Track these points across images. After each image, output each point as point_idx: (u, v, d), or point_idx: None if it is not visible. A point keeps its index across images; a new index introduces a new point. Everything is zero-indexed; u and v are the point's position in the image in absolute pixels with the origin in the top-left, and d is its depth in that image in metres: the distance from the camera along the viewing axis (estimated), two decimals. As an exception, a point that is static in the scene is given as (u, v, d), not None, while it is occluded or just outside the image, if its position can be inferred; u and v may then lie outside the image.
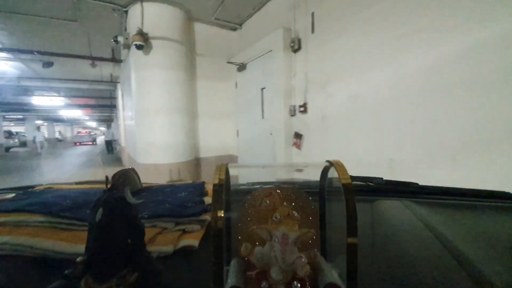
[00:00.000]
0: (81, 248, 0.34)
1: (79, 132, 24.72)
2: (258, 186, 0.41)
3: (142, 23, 3.15)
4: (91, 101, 12.25)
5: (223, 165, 0.29)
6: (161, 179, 0.92)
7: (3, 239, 0.43)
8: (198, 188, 0.68)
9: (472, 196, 0.73)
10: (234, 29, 4.19)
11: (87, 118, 22.34)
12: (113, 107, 11.89)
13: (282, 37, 2.89)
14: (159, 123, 3.42)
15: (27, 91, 9.58)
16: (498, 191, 0.72)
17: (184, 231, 0.49)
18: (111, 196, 0.30)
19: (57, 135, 26.39)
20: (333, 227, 0.33)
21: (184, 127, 3.58)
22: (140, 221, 0.32)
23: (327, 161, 0.31)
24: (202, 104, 4.03)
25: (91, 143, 20.79)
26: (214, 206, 0.25)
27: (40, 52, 4.17)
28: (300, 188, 0.33)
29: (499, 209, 0.66)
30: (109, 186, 0.31)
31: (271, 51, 3.13)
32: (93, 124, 29.11)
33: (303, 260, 0.26)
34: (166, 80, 3.40)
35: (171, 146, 3.47)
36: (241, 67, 3.81)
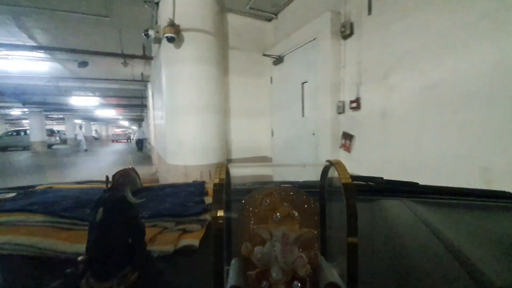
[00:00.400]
0: (81, 247, 0.33)
1: (115, 131, 27.52)
2: (259, 186, 0.45)
3: (174, 14, 2.93)
4: (123, 101, 12.61)
5: (223, 164, 0.30)
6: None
7: (4, 238, 0.44)
8: (199, 188, 0.69)
9: (473, 195, 0.75)
10: (269, 20, 3.88)
11: (120, 117, 23.45)
12: (143, 106, 12.14)
13: (329, 22, 2.51)
14: (189, 122, 3.21)
15: (66, 92, 10.02)
16: (499, 191, 0.75)
17: (184, 231, 0.49)
18: (111, 195, 0.30)
19: (93, 134, 28.18)
20: (334, 227, 0.33)
21: (216, 127, 3.32)
22: (141, 220, 0.33)
23: (327, 160, 0.32)
24: (235, 101, 3.76)
25: (125, 140, 23.81)
26: (214, 206, 0.25)
27: (73, 50, 4.15)
28: (301, 188, 0.34)
29: (500, 208, 0.68)
30: (109, 185, 0.32)
31: (315, 39, 2.76)
32: (125, 123, 30.60)
33: (303, 259, 0.27)
34: (198, 76, 3.16)
35: (202, 147, 3.25)
36: (278, 60, 3.46)
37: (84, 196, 0.59)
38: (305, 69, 3.09)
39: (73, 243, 0.43)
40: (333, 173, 0.31)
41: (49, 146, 16.43)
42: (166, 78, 3.40)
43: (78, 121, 23.77)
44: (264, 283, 0.27)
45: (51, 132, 17.56)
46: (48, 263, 0.41)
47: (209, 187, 0.70)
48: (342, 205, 0.26)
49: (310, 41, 2.90)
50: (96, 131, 30.36)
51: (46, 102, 11.88)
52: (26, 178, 6.13)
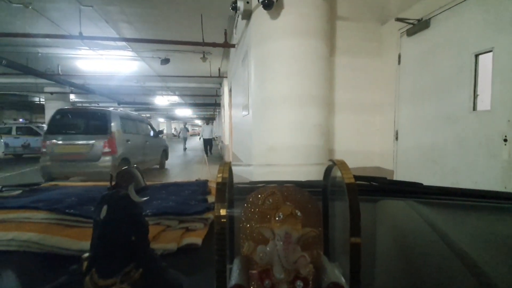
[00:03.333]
0: (86, 244, 0.34)
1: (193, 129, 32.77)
2: (261, 185, 0.45)
3: (272, -29, 2.05)
4: (198, 100, 12.96)
5: (226, 163, 0.29)
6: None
7: (10, 235, 0.44)
8: (202, 187, 0.67)
9: (477, 196, 0.73)
10: (394, -26, 2.67)
11: (194, 116, 25.07)
12: (217, 105, 12.17)
13: None
14: (285, 118, 2.40)
15: (151, 92, 10.67)
16: (503, 192, 0.73)
17: (187, 229, 0.49)
18: (115, 193, 0.30)
19: (173, 131, 31.10)
20: (337, 227, 0.33)
21: (319, 125, 2.38)
22: (144, 218, 0.32)
23: (330, 160, 0.31)
24: (341, 91, 2.71)
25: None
26: (217, 205, 0.25)
27: (157, 41, 3.83)
28: (303, 187, 0.33)
29: (504, 210, 0.66)
30: (113, 184, 0.32)
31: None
32: (198, 122, 33.05)
33: (306, 259, 0.26)
34: (299, 55, 2.33)
35: (301, 152, 2.36)
36: (418, 26, 2.26)
37: (88, 194, 0.59)
38: (486, 29, 1.84)
39: (78, 240, 0.43)
40: (336, 172, 0.30)
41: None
42: (256, 62, 2.66)
43: (161, 120, 26.36)
44: (267, 282, 0.26)
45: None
46: (52, 260, 0.41)
47: (212, 186, 0.69)
48: (345, 205, 0.25)
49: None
50: (175, 128, 33.52)
51: (135, 102, 13.16)
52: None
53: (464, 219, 0.61)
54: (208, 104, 13.67)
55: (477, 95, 2.02)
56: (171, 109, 18.24)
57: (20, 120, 15.28)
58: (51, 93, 9.10)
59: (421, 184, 0.76)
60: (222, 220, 0.24)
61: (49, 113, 9.67)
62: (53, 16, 4.06)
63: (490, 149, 1.90)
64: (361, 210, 0.24)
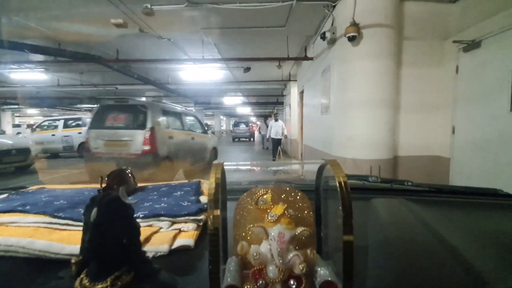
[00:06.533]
0: (75, 248, 0.33)
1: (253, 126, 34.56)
2: (255, 185, 0.46)
3: (354, 13, 3.09)
4: (262, 99, 14.26)
5: (219, 164, 0.30)
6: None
7: None
8: (194, 187, 0.67)
9: (465, 194, 0.76)
10: (454, 1, 3.39)
11: (252, 114, 26.59)
12: (279, 103, 13.25)
13: None
14: (361, 116, 3.29)
15: (223, 93, 12.31)
16: (489, 189, 0.77)
17: (180, 231, 0.48)
18: (106, 195, 0.29)
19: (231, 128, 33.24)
20: (330, 225, 0.33)
21: (387, 122, 3.26)
22: (135, 220, 0.32)
23: (323, 159, 0.32)
24: (406, 95, 3.56)
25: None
26: (210, 205, 0.25)
27: (253, 59, 5.10)
28: (296, 187, 0.34)
29: (490, 206, 0.70)
30: (103, 185, 0.34)
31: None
32: (253, 119, 34.51)
33: (299, 258, 0.26)
34: (373, 71, 3.20)
35: (372, 141, 3.26)
36: (471, 45, 3.00)
37: (78, 196, 0.58)
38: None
39: (67, 244, 0.41)
40: (329, 172, 0.31)
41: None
42: (338, 76, 3.59)
43: (222, 117, 28.76)
44: (261, 282, 0.27)
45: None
46: (41, 265, 0.39)
47: (205, 186, 0.69)
48: (338, 204, 0.25)
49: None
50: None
51: (209, 102, 15.19)
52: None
53: (453, 216, 0.63)
54: (270, 102, 14.97)
55: (515, 100, 2.69)
56: (234, 107, 20.21)
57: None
58: (154, 96, 11.01)
59: (412, 182, 0.79)
60: (215, 220, 0.24)
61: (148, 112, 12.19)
62: (182, 45, 5.37)
63: (522, 139, 2.58)
64: (353, 208, 0.25)
